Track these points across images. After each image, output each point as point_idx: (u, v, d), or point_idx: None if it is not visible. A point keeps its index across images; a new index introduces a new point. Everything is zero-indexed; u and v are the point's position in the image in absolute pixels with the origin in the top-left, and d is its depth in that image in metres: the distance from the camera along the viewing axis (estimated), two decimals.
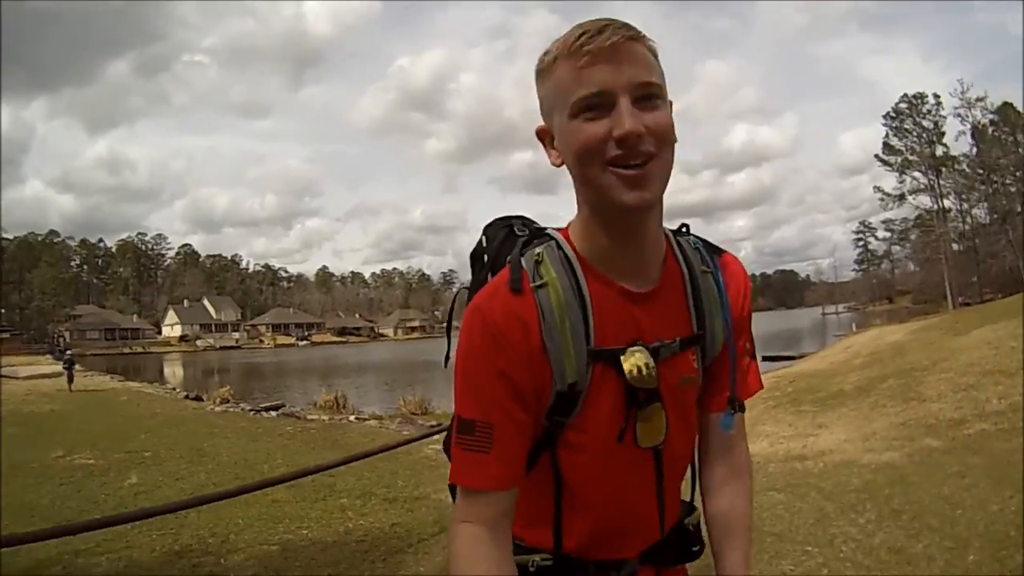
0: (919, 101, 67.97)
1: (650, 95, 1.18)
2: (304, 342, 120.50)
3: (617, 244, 1.29)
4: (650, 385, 1.29)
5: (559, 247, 1.34)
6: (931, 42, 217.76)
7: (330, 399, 19.70)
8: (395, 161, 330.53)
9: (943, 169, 64.70)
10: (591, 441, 1.32)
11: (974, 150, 63.97)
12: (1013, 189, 63.00)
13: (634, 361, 1.27)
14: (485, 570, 1.18)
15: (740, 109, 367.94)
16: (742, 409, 1.48)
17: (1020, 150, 65.87)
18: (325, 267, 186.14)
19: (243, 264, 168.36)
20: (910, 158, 66.07)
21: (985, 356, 12.74)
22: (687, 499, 1.60)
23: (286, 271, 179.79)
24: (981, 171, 62.57)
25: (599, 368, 1.28)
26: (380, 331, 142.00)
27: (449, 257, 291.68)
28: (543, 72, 1.26)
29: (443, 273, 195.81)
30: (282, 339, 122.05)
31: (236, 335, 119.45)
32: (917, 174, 66.39)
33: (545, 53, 1.26)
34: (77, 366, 28.72)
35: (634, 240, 1.29)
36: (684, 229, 1.49)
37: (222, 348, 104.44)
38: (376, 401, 22.44)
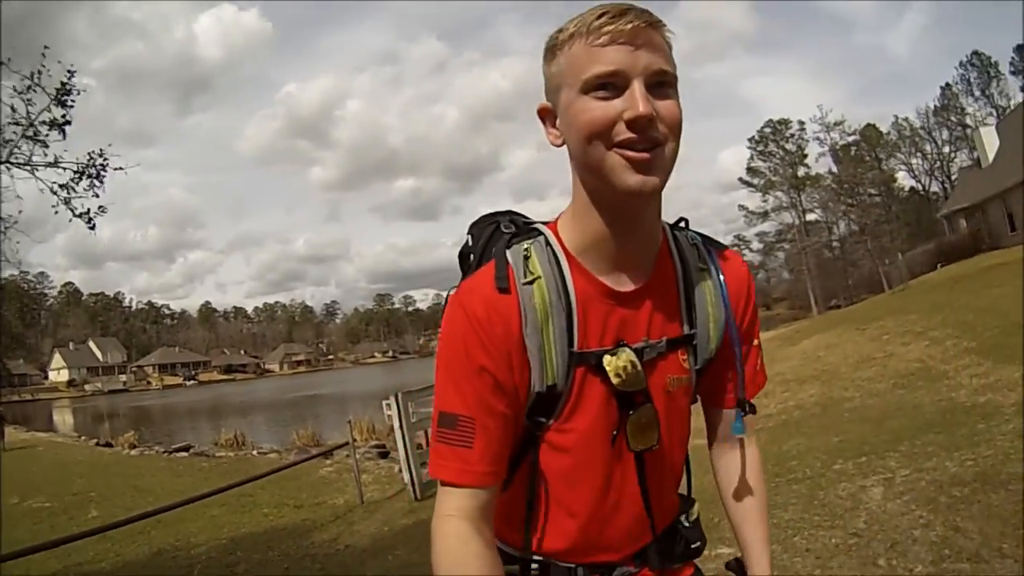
0: (783, 126, 74.90)
1: (664, 83, 1.20)
2: (192, 382, 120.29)
3: (611, 234, 1.30)
4: (637, 387, 1.31)
5: (547, 243, 1.35)
6: (812, 63, 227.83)
7: (230, 437, 21.89)
8: (279, 190, 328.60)
9: (805, 187, 70.91)
10: (576, 443, 1.35)
11: (835, 169, 70.85)
12: (878, 199, 69.42)
13: (618, 363, 1.29)
14: (473, 567, 1.18)
15: None
16: (752, 410, 1.51)
17: (880, 167, 73.31)
18: (208, 302, 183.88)
19: (126, 302, 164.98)
20: (773, 179, 72.57)
21: (793, 366, 14.91)
22: (684, 495, 1.63)
23: (169, 308, 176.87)
24: (844, 187, 69.22)
25: (582, 371, 1.31)
26: (266, 367, 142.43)
27: (332, 287, 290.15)
28: (555, 48, 1.26)
29: (325, 304, 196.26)
30: (169, 379, 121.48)
31: (123, 378, 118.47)
32: (780, 193, 73.52)
33: (559, 31, 1.26)
34: None
35: (630, 229, 1.30)
36: (683, 224, 1.50)
37: (111, 392, 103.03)
38: (272, 437, 23.96)
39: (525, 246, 1.34)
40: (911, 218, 66.05)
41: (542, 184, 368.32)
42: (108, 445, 23.87)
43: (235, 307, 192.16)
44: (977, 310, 16.51)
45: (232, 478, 11.30)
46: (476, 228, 1.53)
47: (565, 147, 1.31)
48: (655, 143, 1.18)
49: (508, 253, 1.34)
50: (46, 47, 7.85)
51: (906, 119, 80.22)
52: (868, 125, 76.83)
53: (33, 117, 7.38)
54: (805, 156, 74.10)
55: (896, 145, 79.93)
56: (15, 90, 7.20)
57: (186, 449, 20.50)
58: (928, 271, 35.96)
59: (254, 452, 18.82)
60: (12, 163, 7.38)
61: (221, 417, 38.01)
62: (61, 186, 7.97)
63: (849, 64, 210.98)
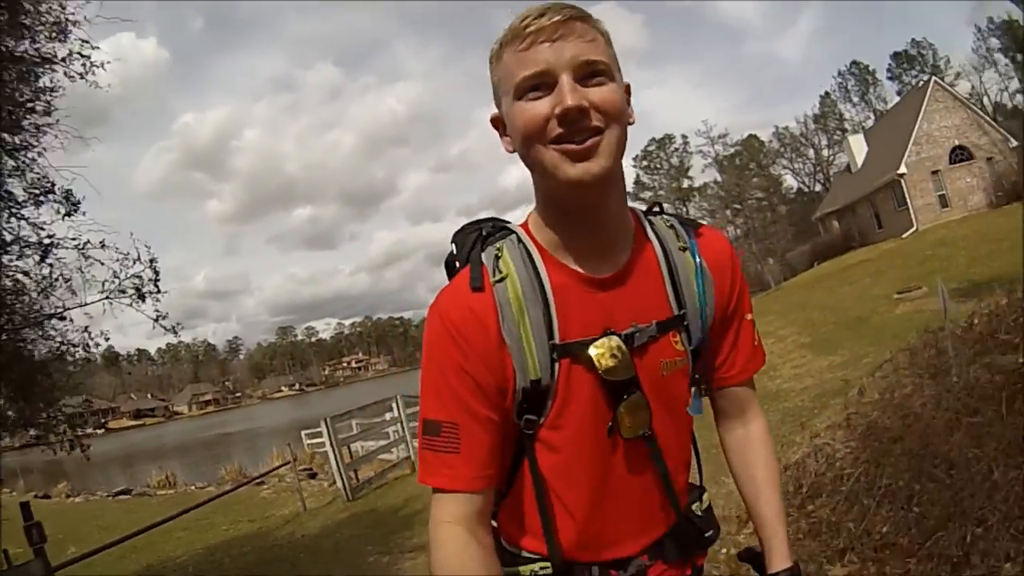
0: (667, 141, 79.47)
1: (595, 72, 1.23)
2: (101, 430, 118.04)
3: (576, 228, 1.33)
4: (625, 376, 1.31)
5: (519, 240, 1.38)
6: (702, 72, 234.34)
7: (162, 479, 23.07)
8: (176, 225, 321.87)
9: (692, 198, 75.31)
10: (570, 438, 1.36)
11: (720, 178, 75.04)
12: (765, 203, 74.01)
13: (603, 352, 1.30)
14: (471, 571, 1.22)
15: None
16: (750, 384, 1.59)
17: (764, 173, 78.36)
18: (112, 346, 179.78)
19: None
20: (659, 192, 76.44)
21: None
22: (694, 484, 1.63)
23: (72, 355, 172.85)
24: (731, 194, 73.47)
25: (567, 362, 1.32)
26: (175, 409, 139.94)
27: (233, 323, 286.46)
28: (493, 60, 1.33)
29: (228, 341, 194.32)
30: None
31: (32, 431, 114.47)
32: (666, 205, 78.04)
33: (496, 41, 1.31)
34: None
35: (593, 221, 1.33)
36: (657, 208, 1.54)
37: (22, 447, 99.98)
38: (201, 476, 24.99)
39: (497, 245, 1.38)
40: (797, 218, 69.67)
41: (438, 207, 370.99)
42: (47, 496, 24.40)
43: (138, 349, 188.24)
44: (823, 307, 19.51)
45: (182, 506, 12.50)
46: (460, 236, 1.51)
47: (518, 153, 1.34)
48: (593, 132, 1.22)
49: (482, 255, 1.37)
50: None
51: (786, 128, 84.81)
52: (750, 135, 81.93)
53: None
54: (688, 168, 78.87)
55: (779, 152, 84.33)
56: None
57: (127, 492, 21.71)
58: (806, 269, 39.73)
59: (192, 487, 20.62)
60: None
61: (145, 462, 38.38)
62: None
63: (740, 72, 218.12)
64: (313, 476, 16.44)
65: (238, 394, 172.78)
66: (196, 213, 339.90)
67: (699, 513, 1.57)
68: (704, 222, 1.54)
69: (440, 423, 1.30)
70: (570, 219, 1.33)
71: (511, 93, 1.27)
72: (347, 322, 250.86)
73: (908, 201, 36.15)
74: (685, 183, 77.92)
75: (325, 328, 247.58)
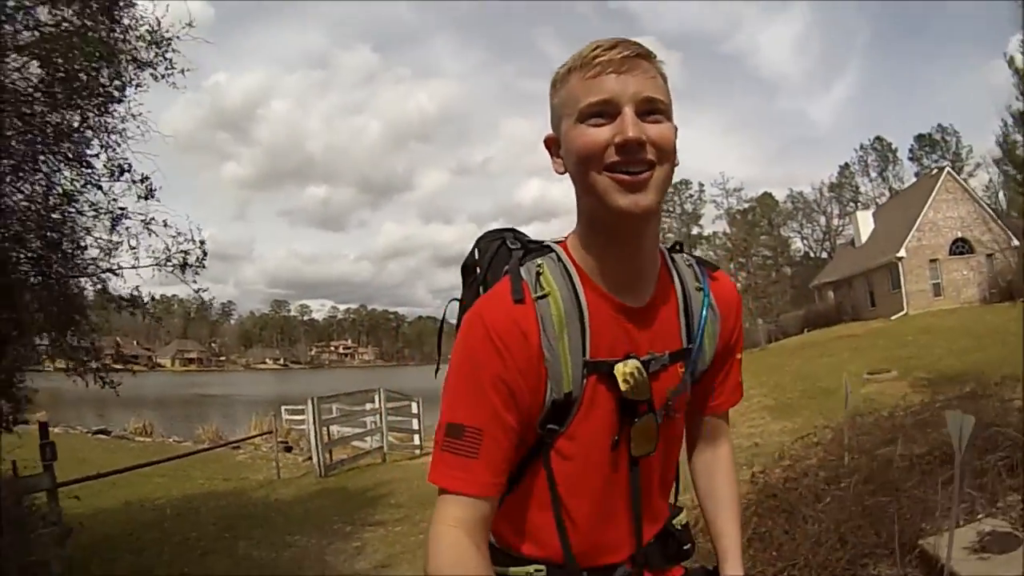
0: (683, 187, 79.94)
1: (654, 109, 1.31)
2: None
3: (615, 256, 1.40)
4: (643, 396, 1.41)
5: (559, 259, 1.44)
6: (731, 119, 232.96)
7: (139, 426, 24.21)
8: (191, 179, 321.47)
9: (698, 246, 76.41)
10: (581, 450, 1.43)
11: (730, 230, 75.93)
12: (770, 261, 74.79)
13: (627, 373, 1.38)
14: (469, 573, 1.24)
15: (537, 166, 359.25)
16: (725, 415, 1.74)
17: (774, 232, 79.76)
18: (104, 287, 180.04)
19: None
20: (668, 235, 77.43)
21: None
22: (673, 502, 1.73)
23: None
24: (738, 247, 74.25)
25: (593, 379, 1.39)
26: (158, 360, 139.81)
27: (230, 287, 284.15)
28: (557, 83, 1.40)
29: (222, 304, 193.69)
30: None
31: None
32: None
33: (560, 67, 1.39)
34: None
35: (631, 251, 1.40)
36: (679, 247, 1.62)
37: None
38: (177, 430, 25.65)
39: (538, 262, 1.43)
40: (799, 281, 69.96)
41: (451, 209, 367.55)
42: (25, 423, 24.96)
43: (132, 294, 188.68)
44: (797, 375, 20.17)
45: (155, 458, 13.10)
46: (483, 242, 1.62)
47: (568, 176, 1.42)
48: (647, 165, 1.29)
49: (521, 269, 1.42)
50: None
51: (800, 192, 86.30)
52: (765, 193, 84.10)
53: None
54: (701, 216, 79.42)
55: (791, 214, 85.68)
56: None
57: (106, 432, 22.59)
58: (796, 334, 40.44)
59: (169, 440, 21.52)
60: None
61: (122, 408, 38.89)
62: None
63: (769, 126, 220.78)
64: (289, 450, 17.33)
65: (223, 358, 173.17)
66: (213, 172, 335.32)
67: (679, 527, 1.67)
68: (719, 266, 1.64)
69: (465, 427, 1.32)
70: (610, 245, 1.39)
71: (573, 116, 1.33)
72: (342, 307, 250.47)
73: (902, 284, 36.88)
74: (695, 230, 78.55)
75: (319, 309, 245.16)
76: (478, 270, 1.61)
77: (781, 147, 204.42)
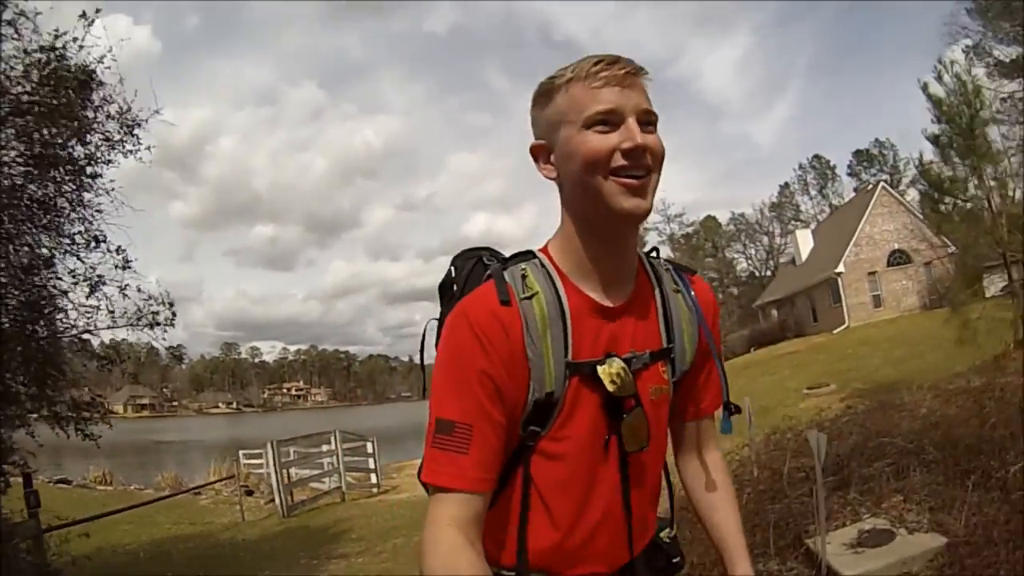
0: None
1: (650, 121, 1.40)
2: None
3: (599, 255, 1.46)
4: (630, 392, 1.43)
5: (541, 264, 1.49)
6: (675, 144, 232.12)
7: (99, 475, 23.60)
8: (137, 221, 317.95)
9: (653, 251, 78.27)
10: (571, 450, 1.44)
11: (673, 255, 76.97)
12: (717, 284, 76.01)
13: (612, 371, 1.41)
14: (465, 572, 1.23)
15: (483, 199, 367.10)
16: (738, 410, 1.68)
17: (718, 255, 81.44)
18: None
19: None
20: None
21: None
22: (661, 517, 1.73)
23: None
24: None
25: (576, 380, 1.42)
26: (111, 407, 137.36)
27: (180, 329, 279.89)
28: (551, 91, 1.44)
29: (169, 348, 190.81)
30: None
31: None
32: None
33: (551, 78, 1.45)
34: None
35: (616, 251, 1.47)
36: (655, 252, 1.65)
37: None
38: (137, 478, 25.05)
39: (523, 267, 1.47)
40: (745, 301, 71.17)
41: (398, 246, 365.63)
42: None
43: (79, 338, 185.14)
44: (739, 394, 19.99)
45: (120, 506, 13.17)
46: (459, 260, 1.63)
47: (555, 181, 1.49)
48: (647, 170, 1.37)
49: (505, 274, 1.45)
50: None
51: (742, 214, 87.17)
52: (707, 216, 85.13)
53: None
54: (645, 243, 79.42)
55: (734, 236, 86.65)
56: None
57: (67, 482, 22.47)
58: (743, 353, 41.25)
59: (132, 487, 21.67)
60: None
61: (78, 456, 38.20)
62: None
63: (712, 149, 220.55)
64: (250, 493, 17.61)
65: (175, 403, 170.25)
66: (160, 212, 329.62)
67: (667, 540, 1.68)
68: (695, 270, 1.69)
69: (454, 423, 1.33)
70: (599, 245, 1.45)
71: (577, 123, 1.38)
72: (292, 348, 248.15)
73: (843, 298, 38.02)
74: None
75: (270, 351, 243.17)
76: (455, 287, 1.61)
77: (725, 170, 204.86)
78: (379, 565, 8.50)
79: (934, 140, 15.43)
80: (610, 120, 1.36)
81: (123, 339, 6.97)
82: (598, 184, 1.36)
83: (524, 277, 1.44)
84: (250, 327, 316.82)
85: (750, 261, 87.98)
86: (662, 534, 1.70)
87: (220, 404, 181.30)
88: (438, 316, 1.63)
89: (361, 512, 13.80)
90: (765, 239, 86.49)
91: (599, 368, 1.41)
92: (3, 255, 5.79)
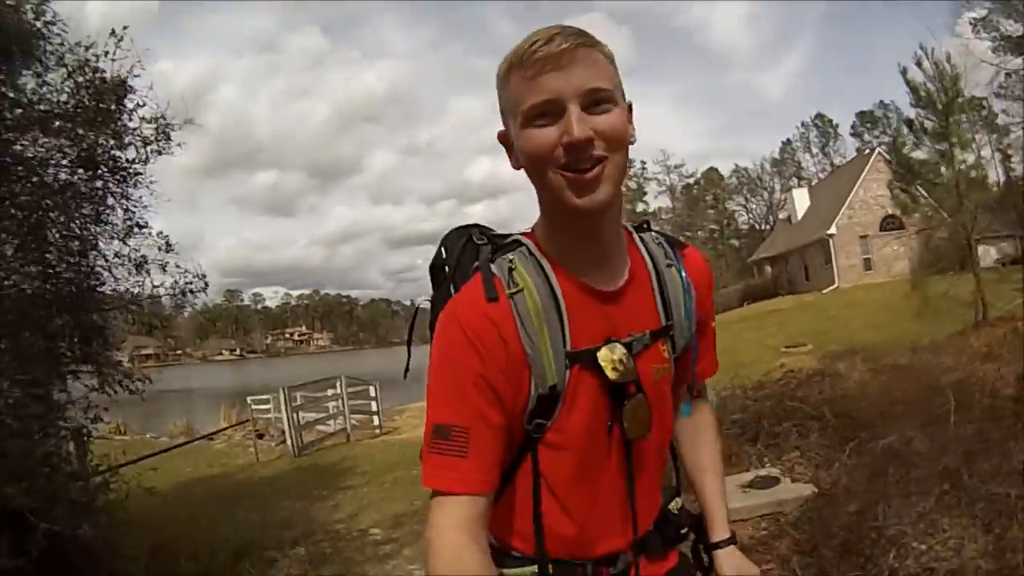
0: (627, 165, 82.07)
1: (600, 100, 1.27)
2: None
3: (579, 241, 1.39)
4: (631, 378, 1.40)
5: (530, 252, 1.43)
6: (680, 93, 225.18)
7: (115, 426, 24.50)
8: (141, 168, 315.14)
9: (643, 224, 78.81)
10: (573, 439, 1.42)
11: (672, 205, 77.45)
12: (717, 235, 76.92)
13: (615, 357, 1.38)
14: (471, 571, 1.22)
15: (486, 144, 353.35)
16: (702, 393, 1.79)
17: (719, 206, 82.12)
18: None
19: None
20: None
21: None
22: (668, 486, 1.72)
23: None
24: (684, 221, 75.64)
25: (576, 368, 1.38)
26: (116, 359, 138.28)
27: (181, 279, 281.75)
28: (500, 80, 1.36)
29: (173, 296, 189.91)
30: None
31: None
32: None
33: (503, 62, 1.34)
34: None
35: (592, 238, 1.40)
36: (645, 225, 1.61)
37: None
38: (148, 426, 25.33)
39: (509, 258, 1.42)
40: (747, 253, 70.86)
41: (400, 190, 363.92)
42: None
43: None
44: (721, 350, 21.89)
45: (141, 453, 13.59)
46: (448, 241, 1.58)
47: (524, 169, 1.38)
48: (597, 160, 1.27)
49: (493, 266, 1.40)
50: None
51: (745, 168, 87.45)
52: (710, 168, 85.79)
53: None
54: (645, 193, 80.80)
55: (736, 189, 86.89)
56: None
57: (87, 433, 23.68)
58: (735, 307, 41.80)
59: (147, 436, 22.55)
60: None
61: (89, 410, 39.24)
62: None
63: (718, 99, 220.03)
64: (260, 436, 18.53)
65: (179, 352, 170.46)
66: (161, 161, 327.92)
67: (675, 511, 1.68)
68: (687, 243, 1.65)
69: (451, 427, 1.32)
70: (572, 233, 1.40)
71: (518, 119, 1.32)
72: (295, 293, 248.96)
73: (834, 260, 39.02)
74: (640, 207, 79.67)
75: (273, 296, 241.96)
76: (447, 268, 1.58)
77: (731, 120, 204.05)
78: (381, 493, 9.77)
79: (908, 124, 16.42)
80: (549, 111, 1.28)
81: (126, 288, 7.61)
82: (547, 180, 1.32)
83: (512, 270, 1.40)
84: (253, 274, 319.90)
85: (751, 215, 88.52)
86: (670, 505, 1.70)
87: (224, 351, 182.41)
88: (430, 298, 1.62)
89: (365, 451, 15.11)
90: (765, 194, 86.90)
91: (599, 355, 1.39)
92: (53, 240, 6.47)
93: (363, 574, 6.36)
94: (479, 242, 1.51)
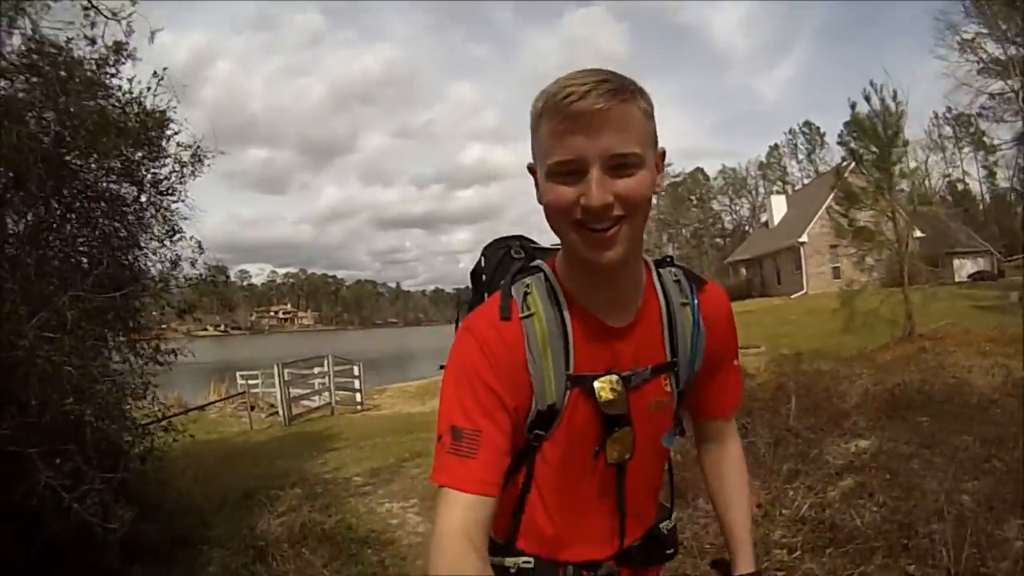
0: None
1: (626, 164, 1.28)
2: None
3: (591, 287, 1.46)
4: (619, 411, 1.48)
5: (547, 279, 1.51)
6: (676, 91, 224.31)
7: None
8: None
9: (665, 259, 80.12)
10: (563, 455, 1.52)
11: (658, 203, 78.58)
12: (703, 235, 78.20)
13: (605, 388, 1.46)
14: (469, 572, 1.26)
15: (480, 130, 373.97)
16: (731, 415, 1.81)
17: (703, 207, 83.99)
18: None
19: None
20: None
21: None
22: (664, 505, 1.82)
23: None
24: (662, 219, 76.52)
25: (576, 391, 1.47)
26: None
27: (165, 251, 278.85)
28: (532, 119, 1.37)
29: (159, 271, 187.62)
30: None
31: None
32: None
33: (537, 99, 1.34)
34: None
35: (606, 286, 1.46)
36: (668, 260, 1.64)
37: None
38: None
39: (527, 282, 1.50)
40: (728, 254, 71.09)
41: (391, 172, 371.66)
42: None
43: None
44: None
45: (139, 422, 15.14)
46: (489, 250, 1.71)
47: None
48: (614, 221, 1.30)
49: (512, 288, 1.49)
50: None
51: (733, 169, 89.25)
52: (696, 168, 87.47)
53: None
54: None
55: (722, 189, 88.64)
56: None
57: None
58: None
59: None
60: None
61: None
62: None
63: (714, 100, 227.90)
64: (251, 408, 19.84)
65: (164, 326, 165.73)
66: (154, 132, 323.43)
67: (664, 531, 1.77)
68: (709, 279, 1.67)
69: (463, 429, 1.37)
70: (588, 275, 1.45)
71: (543, 169, 1.35)
72: (281, 271, 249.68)
73: (803, 267, 40.44)
74: None
75: (259, 273, 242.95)
76: (484, 277, 1.71)
77: (724, 121, 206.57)
78: (362, 454, 11.45)
79: (851, 154, 17.98)
80: (573, 170, 1.29)
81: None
82: (564, 233, 1.37)
83: (527, 295, 1.49)
84: (239, 249, 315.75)
85: (734, 216, 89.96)
86: (661, 525, 1.78)
87: (208, 327, 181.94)
88: (470, 300, 1.74)
89: (348, 423, 16.70)
90: (750, 196, 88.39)
91: (596, 383, 1.47)
92: (97, 239, 7.24)
93: (348, 507, 7.90)
94: (516, 255, 1.66)
